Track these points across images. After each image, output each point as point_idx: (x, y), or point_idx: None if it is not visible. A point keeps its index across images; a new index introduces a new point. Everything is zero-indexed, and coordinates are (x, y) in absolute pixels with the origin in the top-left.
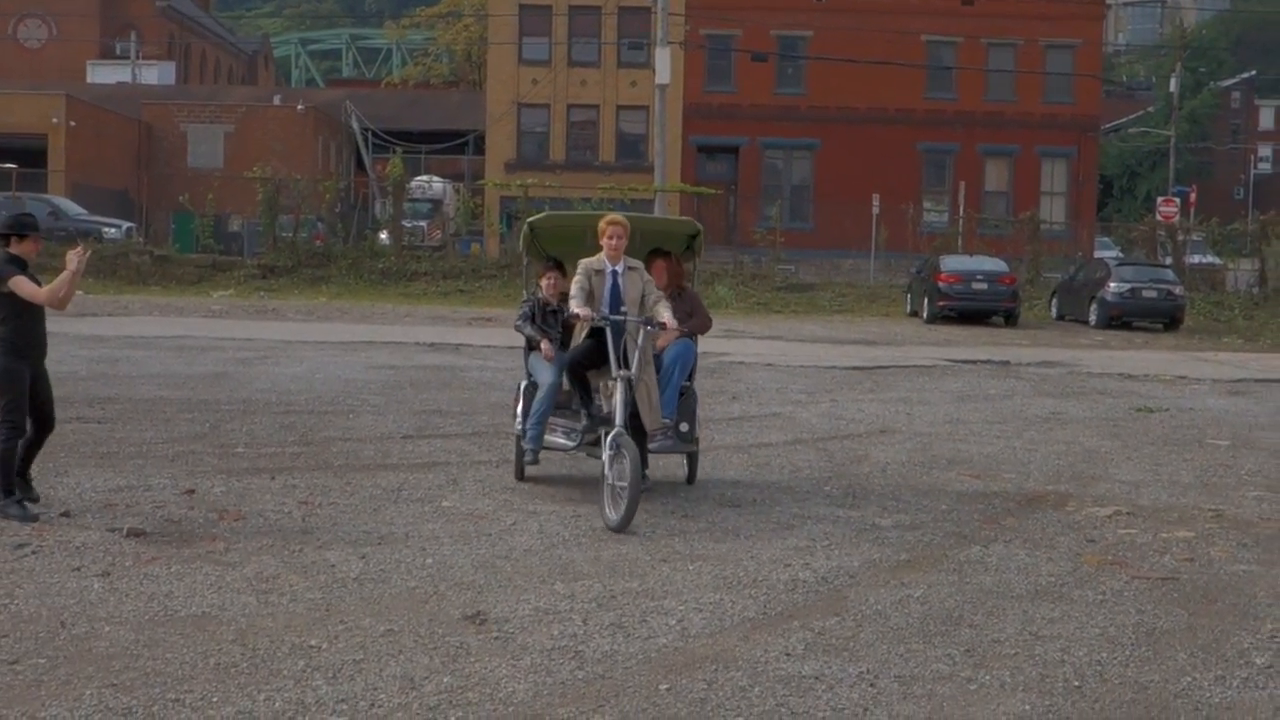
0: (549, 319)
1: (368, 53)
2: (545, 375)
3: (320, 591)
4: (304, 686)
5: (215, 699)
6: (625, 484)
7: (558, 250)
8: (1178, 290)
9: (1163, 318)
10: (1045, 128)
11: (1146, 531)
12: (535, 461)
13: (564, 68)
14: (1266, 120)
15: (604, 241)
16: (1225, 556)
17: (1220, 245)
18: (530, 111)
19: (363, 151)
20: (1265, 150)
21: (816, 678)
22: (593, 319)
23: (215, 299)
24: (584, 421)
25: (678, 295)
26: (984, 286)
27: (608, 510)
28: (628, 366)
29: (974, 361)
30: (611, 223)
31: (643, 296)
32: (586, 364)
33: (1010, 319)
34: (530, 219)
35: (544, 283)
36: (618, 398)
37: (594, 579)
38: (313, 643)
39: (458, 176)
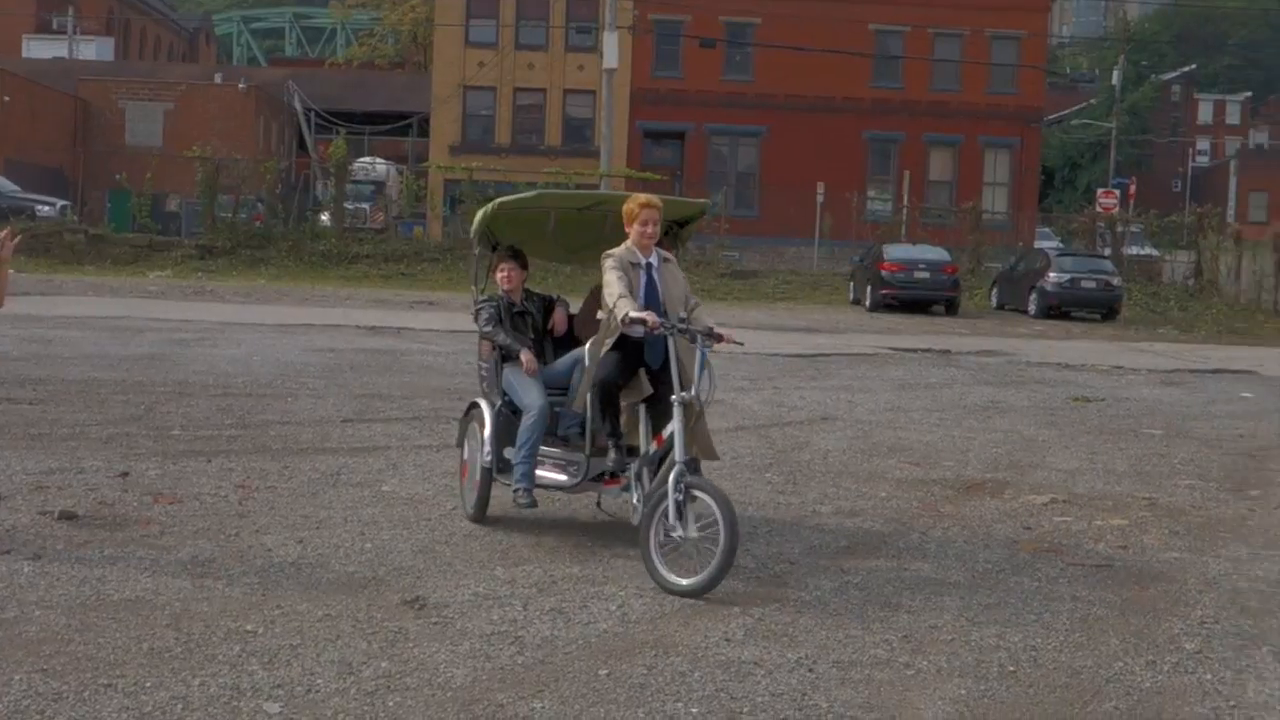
0: (518, 322)
1: (311, 32)
2: (532, 396)
3: (257, 576)
4: (239, 671)
5: (148, 684)
6: (711, 534)
7: (514, 237)
8: (1116, 281)
9: (1100, 308)
10: (989, 118)
11: (1082, 519)
12: (533, 504)
13: (511, 51)
14: (1205, 114)
15: (635, 228)
16: (1158, 544)
17: (1158, 237)
18: (476, 94)
19: (305, 132)
20: (1204, 144)
21: (756, 663)
22: (660, 327)
23: (152, 279)
24: (589, 453)
25: None
26: (926, 275)
27: (663, 570)
28: (685, 386)
29: (915, 350)
30: (645, 205)
31: (685, 297)
32: (620, 382)
33: (951, 308)
34: (500, 199)
35: (499, 275)
36: (676, 426)
37: (534, 564)
38: (249, 627)
39: (401, 159)
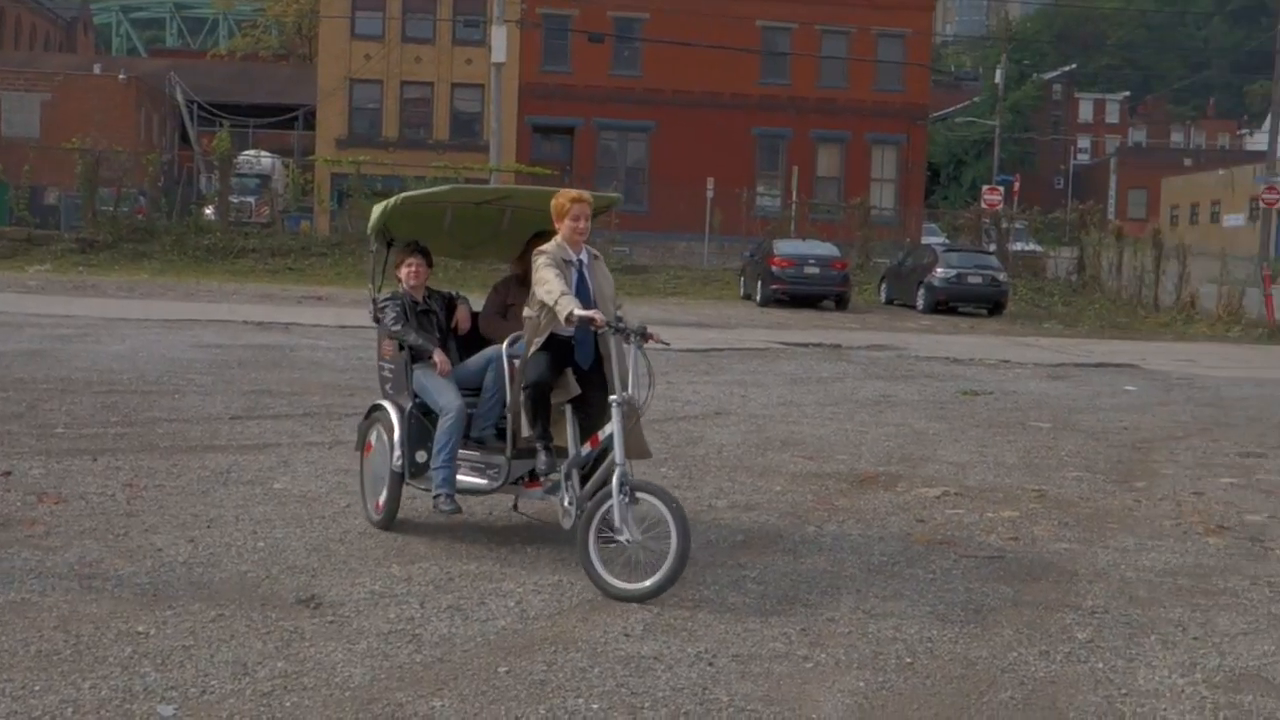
0: (423, 320)
1: (193, 22)
2: (448, 397)
3: (147, 576)
4: (131, 674)
5: (37, 688)
6: (657, 535)
7: (410, 233)
8: (1001, 277)
9: (987, 303)
10: (876, 115)
11: (973, 511)
12: (457, 510)
13: (398, 44)
14: (1086, 113)
15: (566, 223)
16: (1048, 535)
17: (1041, 234)
18: (363, 87)
19: (187, 124)
20: (1084, 142)
21: (655, 658)
22: (605, 326)
23: (31, 274)
24: (510, 455)
25: None
26: (816, 271)
27: (605, 574)
28: (623, 387)
29: (806, 345)
30: (576, 200)
31: (613, 295)
32: (551, 384)
33: (841, 303)
34: (406, 194)
35: (404, 271)
36: (615, 427)
37: (430, 561)
38: (140, 629)
39: (287, 152)
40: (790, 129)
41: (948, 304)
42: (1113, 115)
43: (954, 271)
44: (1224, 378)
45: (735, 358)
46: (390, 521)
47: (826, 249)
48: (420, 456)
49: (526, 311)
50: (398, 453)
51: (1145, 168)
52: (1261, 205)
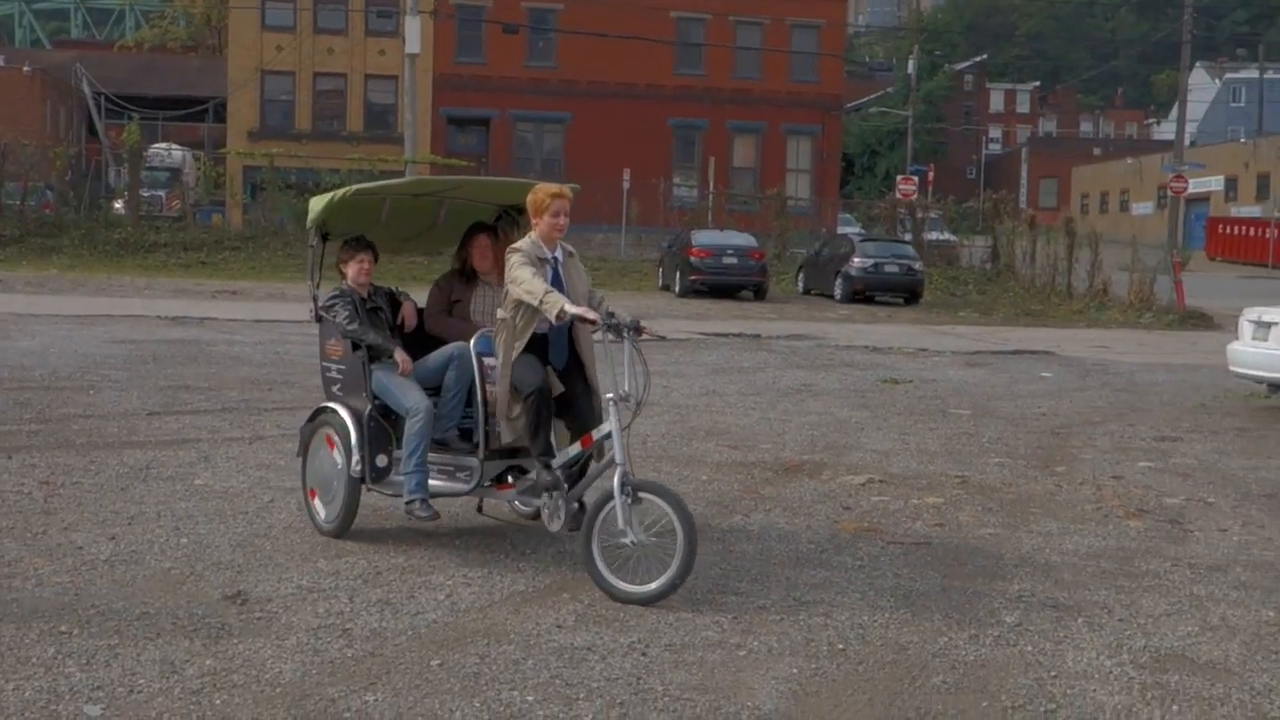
0: (372, 318)
1: (98, 14)
2: (414, 398)
3: (68, 575)
4: (56, 674)
5: None
6: (661, 534)
7: (347, 226)
8: (917, 266)
9: (904, 292)
10: (791, 105)
11: (898, 498)
12: (436, 515)
13: (310, 35)
14: (997, 103)
15: (545, 219)
16: (972, 521)
17: (955, 223)
18: (274, 79)
19: (95, 117)
20: (996, 132)
21: (589, 648)
22: (599, 323)
23: None
24: (483, 456)
25: None
26: (734, 261)
27: (611, 577)
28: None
29: (726, 335)
30: (557, 195)
31: (590, 291)
32: (550, 388)
33: (759, 293)
34: (358, 186)
35: (351, 269)
36: (613, 426)
37: (358, 555)
38: (62, 628)
39: (198, 145)
40: (706, 120)
41: (865, 293)
42: (1023, 105)
43: (871, 261)
44: (1137, 363)
45: (656, 348)
46: (346, 529)
47: (744, 239)
48: (381, 461)
49: (501, 313)
50: (356, 457)
51: (1056, 157)
52: (1170, 193)
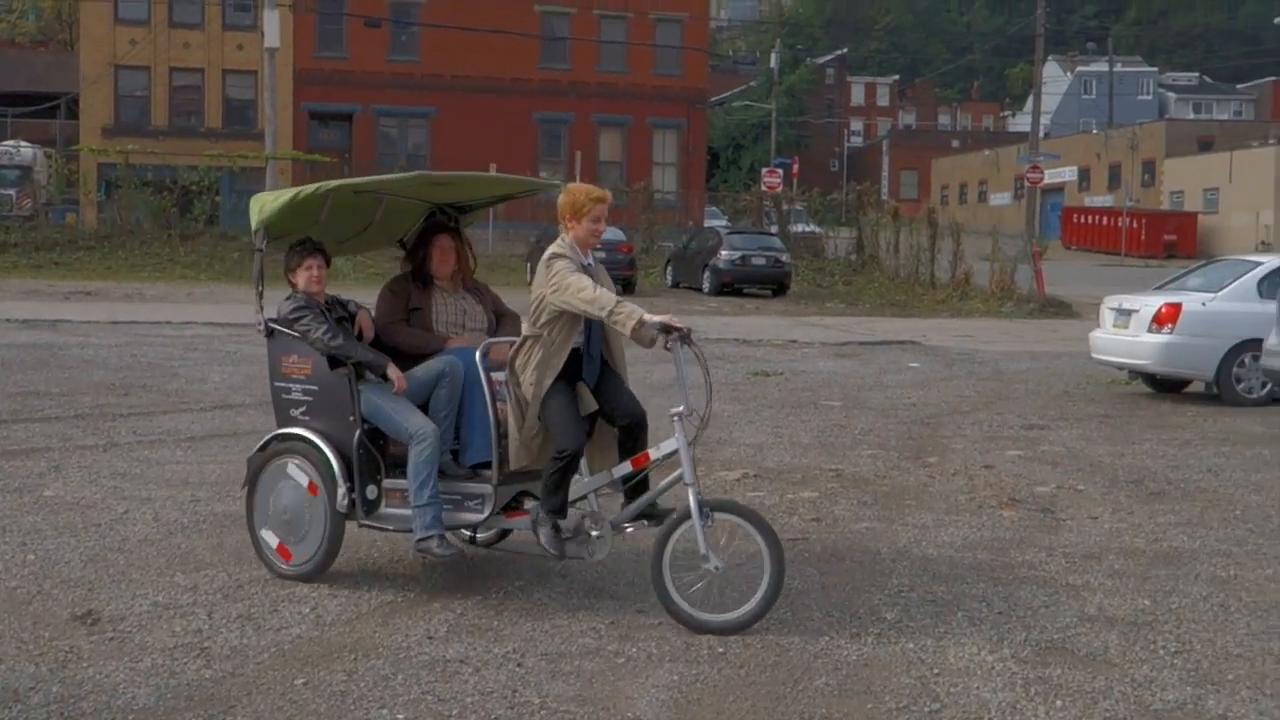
0: (346, 331)
1: None
2: (416, 421)
3: None
4: None
5: None
6: (744, 557)
7: (287, 228)
8: (784, 258)
9: (771, 284)
10: (656, 99)
11: (774, 493)
12: (458, 551)
13: (165, 28)
14: (858, 96)
15: (584, 224)
16: (848, 515)
17: (820, 215)
18: (129, 74)
19: None
20: (857, 124)
21: (462, 661)
22: (685, 332)
23: None
24: (497, 482)
25: (476, 291)
26: (602, 255)
27: (689, 608)
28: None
29: None
30: (599, 200)
31: None
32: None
33: (628, 287)
34: (343, 181)
35: (300, 277)
36: (680, 444)
37: (218, 568)
38: None
39: (49, 142)
40: (572, 114)
41: (733, 286)
42: (883, 98)
43: (738, 254)
44: (1001, 352)
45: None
46: (324, 570)
47: (612, 233)
48: (371, 492)
49: (528, 329)
50: (342, 489)
51: (915, 149)
52: (1026, 184)
